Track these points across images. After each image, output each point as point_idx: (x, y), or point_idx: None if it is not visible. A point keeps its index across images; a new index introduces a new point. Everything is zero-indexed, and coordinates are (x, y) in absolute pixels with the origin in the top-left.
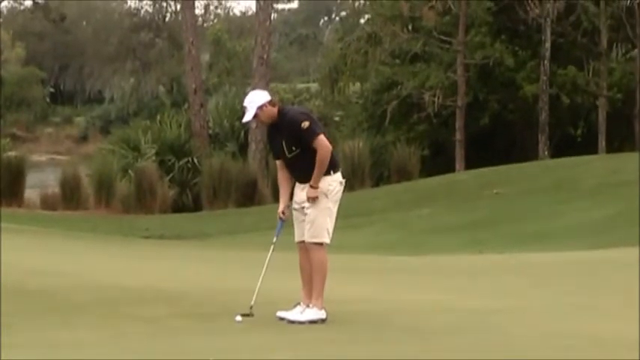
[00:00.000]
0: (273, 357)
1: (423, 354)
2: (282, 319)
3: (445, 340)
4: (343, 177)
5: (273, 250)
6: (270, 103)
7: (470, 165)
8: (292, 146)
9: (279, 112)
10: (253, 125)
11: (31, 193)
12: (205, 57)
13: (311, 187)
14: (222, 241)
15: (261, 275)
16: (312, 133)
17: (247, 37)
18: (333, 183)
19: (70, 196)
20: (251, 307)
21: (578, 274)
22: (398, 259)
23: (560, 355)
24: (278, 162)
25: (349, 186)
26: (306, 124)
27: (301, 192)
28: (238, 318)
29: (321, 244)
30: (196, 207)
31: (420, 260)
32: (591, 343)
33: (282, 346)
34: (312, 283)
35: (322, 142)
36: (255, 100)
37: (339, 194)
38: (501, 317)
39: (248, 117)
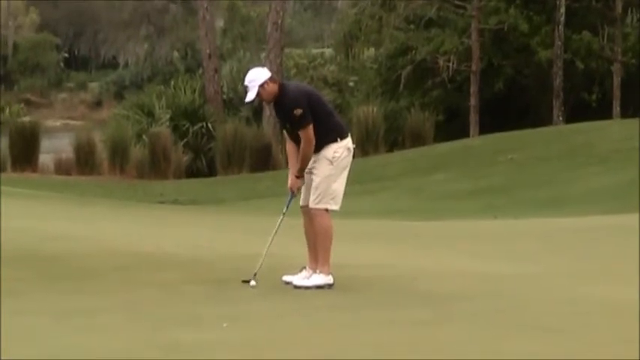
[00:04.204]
0: (284, 322)
1: (438, 319)
2: (287, 283)
3: (459, 305)
4: (354, 142)
5: (282, 220)
6: (271, 79)
7: (484, 130)
8: (293, 127)
9: (280, 88)
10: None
11: (45, 159)
12: (219, 23)
13: (295, 176)
14: (237, 207)
15: (268, 243)
16: (300, 122)
17: (262, 3)
18: (339, 150)
19: (84, 162)
20: (255, 274)
21: (593, 239)
22: (412, 224)
23: (575, 321)
24: (285, 132)
25: (363, 151)
26: (298, 111)
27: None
28: (253, 283)
29: (325, 210)
30: (210, 172)
31: (434, 226)
32: (605, 308)
33: (293, 313)
34: (317, 249)
35: (307, 134)
36: (256, 78)
37: (347, 160)
38: (516, 282)
39: (251, 96)
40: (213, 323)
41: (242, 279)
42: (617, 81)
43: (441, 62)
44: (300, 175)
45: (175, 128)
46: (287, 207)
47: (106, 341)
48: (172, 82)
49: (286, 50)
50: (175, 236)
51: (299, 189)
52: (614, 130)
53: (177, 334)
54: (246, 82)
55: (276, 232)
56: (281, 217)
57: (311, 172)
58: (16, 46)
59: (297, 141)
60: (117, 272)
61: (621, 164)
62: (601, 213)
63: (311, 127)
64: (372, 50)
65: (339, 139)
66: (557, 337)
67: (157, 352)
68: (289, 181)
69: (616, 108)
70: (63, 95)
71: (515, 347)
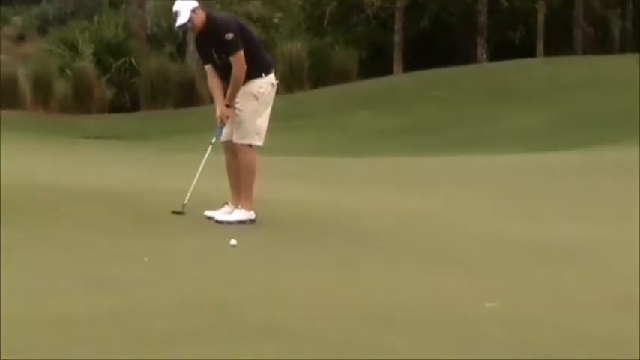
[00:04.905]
0: (206, 257)
1: (360, 256)
2: (209, 218)
3: (382, 242)
4: (278, 79)
5: (210, 151)
6: (200, 8)
7: (408, 68)
8: (222, 54)
9: (208, 18)
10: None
11: None
12: None
13: (225, 105)
14: (161, 142)
15: (196, 175)
16: (232, 47)
17: None
18: (264, 85)
19: (7, 96)
20: (183, 206)
21: (516, 178)
22: (337, 161)
23: (496, 258)
24: (208, 67)
25: (287, 88)
26: (229, 36)
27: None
28: (233, 242)
29: (249, 145)
30: (134, 107)
31: (358, 163)
32: (525, 246)
33: (215, 248)
34: (239, 185)
35: (239, 59)
36: (187, 3)
37: (271, 96)
38: (438, 221)
39: (183, 19)
40: (137, 258)
41: (171, 210)
42: (541, 19)
43: None
44: (230, 104)
45: (99, 63)
46: (216, 137)
47: (26, 277)
48: (96, 17)
49: None
50: (98, 171)
51: (228, 118)
52: (538, 69)
53: (101, 268)
54: (176, 8)
55: (203, 165)
56: (209, 148)
57: (235, 108)
58: None
59: (222, 75)
60: (38, 207)
61: (545, 103)
62: (524, 151)
63: (242, 52)
64: None
65: (263, 75)
66: (480, 274)
67: (80, 286)
68: (218, 111)
69: (540, 46)
70: None
71: (438, 284)
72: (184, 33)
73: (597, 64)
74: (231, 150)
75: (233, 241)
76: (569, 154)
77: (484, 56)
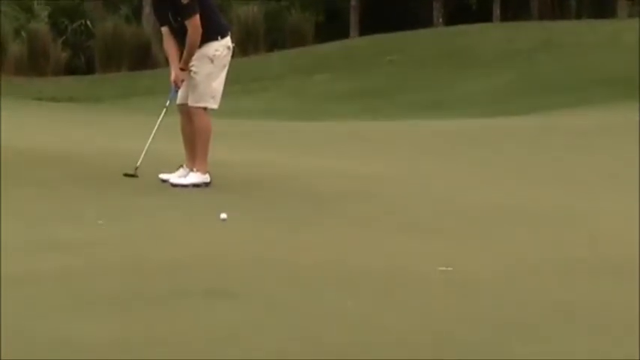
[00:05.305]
0: (161, 221)
1: (316, 219)
2: (164, 181)
3: (338, 205)
4: (233, 42)
5: (164, 114)
6: None
7: (365, 32)
8: (178, 17)
9: None
10: None
11: None
12: None
13: (180, 69)
14: (116, 105)
15: (150, 137)
16: (187, 11)
17: None
18: (220, 48)
19: None
20: (136, 169)
21: (472, 142)
22: (292, 124)
23: (451, 221)
24: (164, 30)
25: (242, 51)
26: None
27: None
28: (223, 215)
29: (204, 108)
30: (89, 70)
31: (314, 126)
32: (479, 209)
33: (171, 211)
34: (194, 148)
35: (194, 23)
36: None
37: (227, 58)
38: (393, 184)
39: None
40: (91, 220)
41: (124, 172)
42: None
43: None
44: (185, 68)
45: (54, 25)
46: (169, 101)
47: None
48: None
49: None
50: (51, 133)
51: (183, 81)
52: (494, 34)
53: (55, 231)
54: None
55: (157, 127)
56: (163, 111)
57: (190, 71)
58: None
59: (178, 38)
60: None
61: (500, 68)
62: (480, 116)
63: (198, 16)
64: None
65: (219, 38)
66: (436, 237)
67: (31, 248)
68: (172, 75)
69: (496, 11)
70: None
71: (396, 246)
72: None
73: (552, 28)
74: (186, 113)
75: (223, 215)
76: (525, 119)
77: (440, 20)
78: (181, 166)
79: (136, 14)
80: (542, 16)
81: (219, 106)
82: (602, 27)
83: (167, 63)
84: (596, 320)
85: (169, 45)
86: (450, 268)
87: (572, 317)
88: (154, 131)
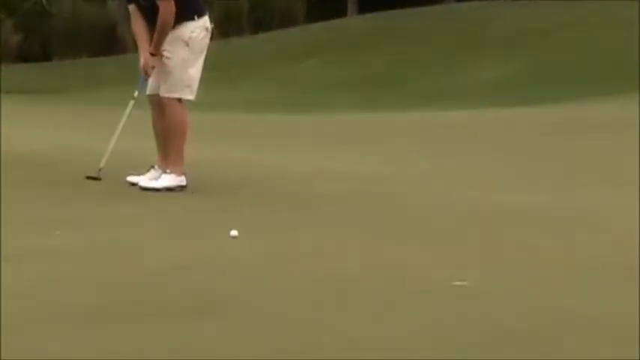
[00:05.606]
0: (131, 229)
1: (307, 224)
2: (133, 184)
3: (331, 208)
4: (212, 22)
5: (132, 107)
6: None
7: (364, 10)
8: None
9: None
10: None
11: None
12: None
13: (151, 54)
14: (76, 96)
15: (116, 134)
16: None
17: None
18: (197, 30)
19: None
20: (99, 170)
21: (484, 137)
22: (280, 118)
23: (452, 224)
24: (132, 8)
25: (223, 33)
26: None
27: None
28: (234, 232)
29: (178, 100)
30: (46, 56)
31: (304, 120)
32: (483, 212)
33: (141, 218)
34: (167, 146)
35: (168, 4)
36: None
37: (205, 42)
38: (391, 184)
39: None
40: (50, 228)
41: (86, 175)
42: None
43: None
44: (156, 53)
45: (4, 4)
46: (138, 91)
47: None
48: None
49: None
50: (5, 130)
51: (153, 68)
52: (509, 12)
53: (12, 240)
54: None
55: (123, 122)
56: (131, 103)
57: (162, 56)
58: None
59: (148, 17)
60: None
61: (516, 50)
62: (491, 106)
63: None
64: None
65: (196, 18)
66: (436, 241)
67: None
68: (142, 61)
69: None
70: None
71: (395, 252)
72: None
73: (573, 7)
74: (158, 105)
75: (234, 232)
76: (541, 110)
77: None
78: (152, 166)
79: None
80: None
81: (196, 97)
82: (626, 6)
83: (135, 47)
84: (608, 329)
85: (138, 26)
86: (465, 283)
87: (580, 325)
88: (120, 127)
